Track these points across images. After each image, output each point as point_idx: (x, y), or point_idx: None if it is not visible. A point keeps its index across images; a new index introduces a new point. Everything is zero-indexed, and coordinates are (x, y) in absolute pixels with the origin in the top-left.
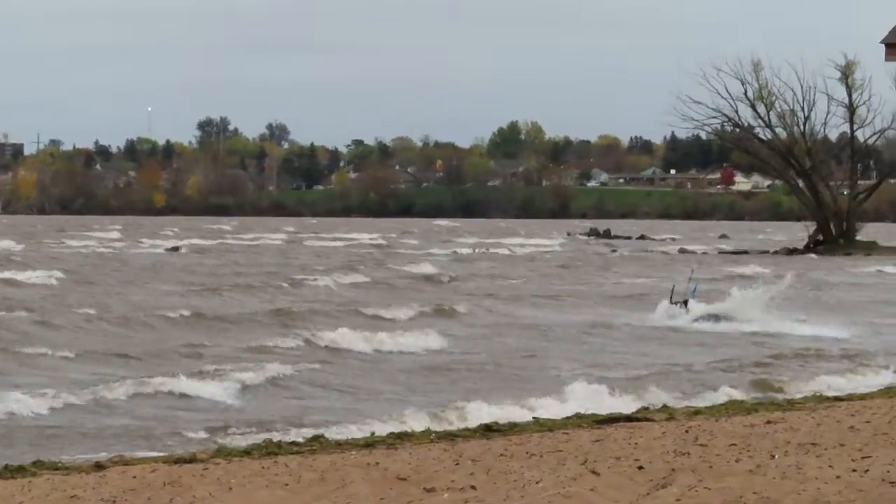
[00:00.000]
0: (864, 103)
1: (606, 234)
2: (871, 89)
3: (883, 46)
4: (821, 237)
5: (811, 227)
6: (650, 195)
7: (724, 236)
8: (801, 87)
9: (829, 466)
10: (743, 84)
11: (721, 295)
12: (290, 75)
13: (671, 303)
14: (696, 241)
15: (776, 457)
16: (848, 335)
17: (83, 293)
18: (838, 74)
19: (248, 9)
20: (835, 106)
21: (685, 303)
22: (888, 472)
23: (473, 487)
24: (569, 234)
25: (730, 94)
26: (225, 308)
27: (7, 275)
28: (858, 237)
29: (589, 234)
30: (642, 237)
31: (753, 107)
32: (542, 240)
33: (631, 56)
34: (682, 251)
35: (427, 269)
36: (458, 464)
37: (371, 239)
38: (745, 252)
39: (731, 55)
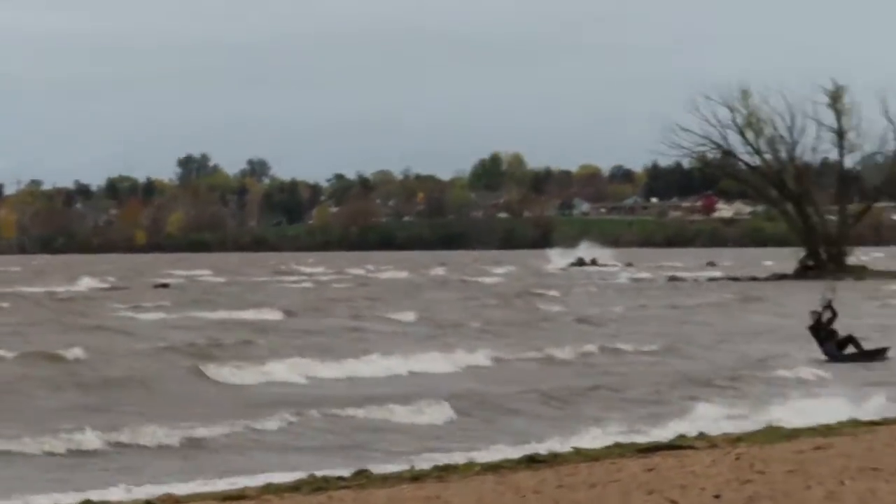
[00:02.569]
0: (852, 129)
1: (593, 264)
2: (859, 114)
3: None
4: (811, 263)
5: (800, 252)
6: (632, 224)
7: (711, 263)
8: (790, 113)
9: None
10: (731, 111)
11: None
12: (269, 111)
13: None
14: (684, 269)
15: (846, 483)
16: None
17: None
18: (827, 100)
19: (226, 44)
20: (823, 131)
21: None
22: None
23: None
24: (550, 265)
25: (718, 122)
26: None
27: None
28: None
29: (575, 264)
30: (629, 265)
31: (742, 133)
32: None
33: (609, 85)
34: (671, 279)
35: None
36: (524, 496)
37: (441, 272)
38: (736, 279)
39: (719, 82)
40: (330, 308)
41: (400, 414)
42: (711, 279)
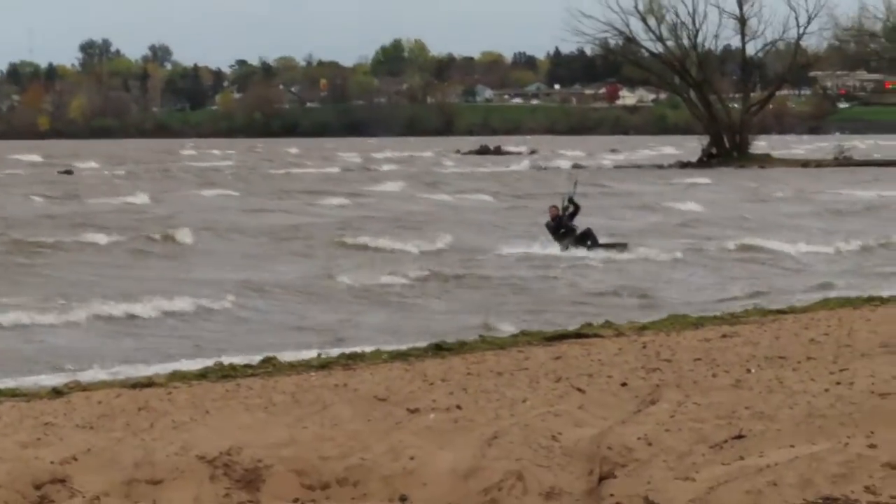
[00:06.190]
0: (754, 15)
1: (497, 151)
2: (761, 1)
3: None
4: (714, 150)
5: (704, 140)
6: (535, 111)
7: (614, 150)
8: None
9: (812, 380)
10: None
11: None
12: None
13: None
14: (588, 156)
15: (752, 371)
16: None
17: None
18: None
19: None
20: (725, 18)
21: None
22: (872, 383)
23: (459, 407)
24: (458, 152)
25: (620, 8)
26: None
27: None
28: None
29: (479, 152)
30: (533, 153)
31: (644, 20)
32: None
33: None
34: (576, 167)
35: None
36: (431, 384)
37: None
38: (639, 166)
39: None
40: None
41: None
42: (618, 167)
